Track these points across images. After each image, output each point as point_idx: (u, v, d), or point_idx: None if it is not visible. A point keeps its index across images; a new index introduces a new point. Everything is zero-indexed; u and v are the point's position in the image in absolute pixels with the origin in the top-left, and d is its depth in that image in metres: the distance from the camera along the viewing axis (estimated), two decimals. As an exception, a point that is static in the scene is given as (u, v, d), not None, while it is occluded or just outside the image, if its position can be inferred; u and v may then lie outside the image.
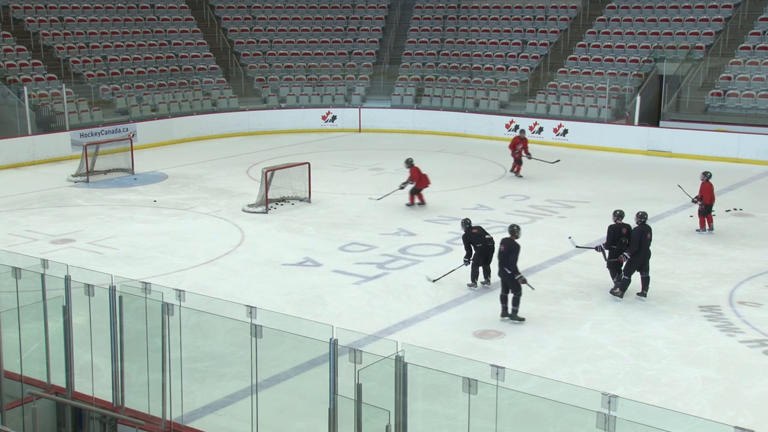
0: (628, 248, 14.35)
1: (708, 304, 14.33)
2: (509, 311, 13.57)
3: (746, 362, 12.11)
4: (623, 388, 11.11)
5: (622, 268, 14.47)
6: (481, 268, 15.00)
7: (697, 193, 18.51)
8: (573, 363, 12.02)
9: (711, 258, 16.95)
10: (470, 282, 15.05)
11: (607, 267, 14.80)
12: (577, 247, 15.73)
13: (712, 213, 18.67)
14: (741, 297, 14.69)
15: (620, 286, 14.48)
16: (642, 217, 14.41)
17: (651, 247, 14.49)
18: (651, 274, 14.47)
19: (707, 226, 18.54)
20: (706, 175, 18.48)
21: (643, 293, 14.45)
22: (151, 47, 35.41)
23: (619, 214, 14.76)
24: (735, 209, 20.39)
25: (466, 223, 15.08)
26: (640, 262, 14.36)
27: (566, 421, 7.66)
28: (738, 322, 13.54)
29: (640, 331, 13.21)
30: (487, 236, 14.85)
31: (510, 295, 13.57)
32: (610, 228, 14.63)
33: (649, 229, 14.50)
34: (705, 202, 18.38)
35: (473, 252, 14.88)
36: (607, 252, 14.70)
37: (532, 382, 9.87)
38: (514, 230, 13.76)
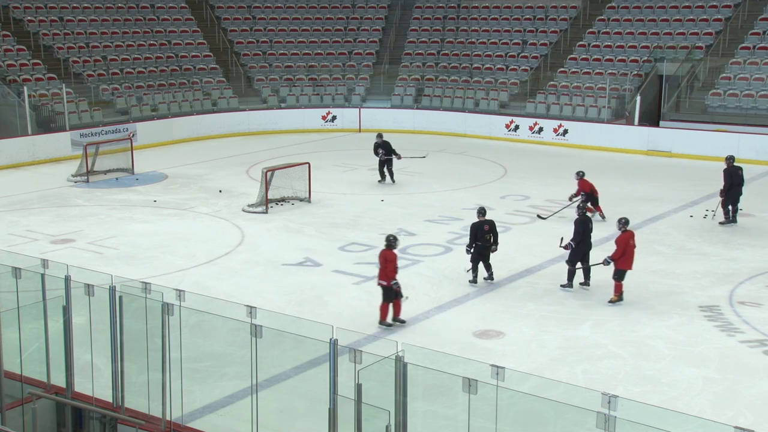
0: (572, 238, 15.02)
1: (708, 304, 14.33)
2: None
3: (746, 362, 12.11)
4: (623, 388, 11.11)
5: (566, 259, 15.10)
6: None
7: (575, 192, 19.53)
8: (573, 363, 12.02)
9: (711, 258, 16.96)
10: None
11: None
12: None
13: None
14: (741, 297, 14.69)
15: (567, 277, 15.01)
16: (582, 209, 15.32)
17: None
18: (650, 274, 14.46)
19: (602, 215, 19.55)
20: (579, 174, 19.63)
21: (585, 283, 15.00)
22: (151, 47, 35.40)
23: (480, 211, 15.31)
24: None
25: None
26: (583, 252, 14.97)
27: (566, 421, 7.67)
28: (738, 322, 13.54)
29: (640, 331, 13.21)
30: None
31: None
32: (474, 225, 15.15)
33: (590, 220, 15.29)
34: (587, 192, 19.31)
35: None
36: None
37: (532, 382, 9.88)
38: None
